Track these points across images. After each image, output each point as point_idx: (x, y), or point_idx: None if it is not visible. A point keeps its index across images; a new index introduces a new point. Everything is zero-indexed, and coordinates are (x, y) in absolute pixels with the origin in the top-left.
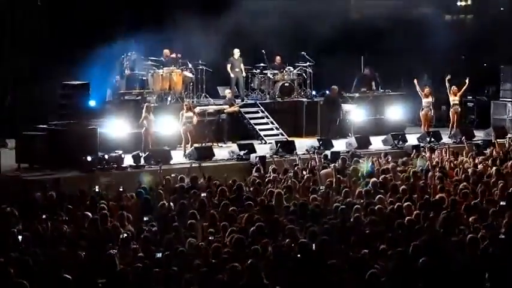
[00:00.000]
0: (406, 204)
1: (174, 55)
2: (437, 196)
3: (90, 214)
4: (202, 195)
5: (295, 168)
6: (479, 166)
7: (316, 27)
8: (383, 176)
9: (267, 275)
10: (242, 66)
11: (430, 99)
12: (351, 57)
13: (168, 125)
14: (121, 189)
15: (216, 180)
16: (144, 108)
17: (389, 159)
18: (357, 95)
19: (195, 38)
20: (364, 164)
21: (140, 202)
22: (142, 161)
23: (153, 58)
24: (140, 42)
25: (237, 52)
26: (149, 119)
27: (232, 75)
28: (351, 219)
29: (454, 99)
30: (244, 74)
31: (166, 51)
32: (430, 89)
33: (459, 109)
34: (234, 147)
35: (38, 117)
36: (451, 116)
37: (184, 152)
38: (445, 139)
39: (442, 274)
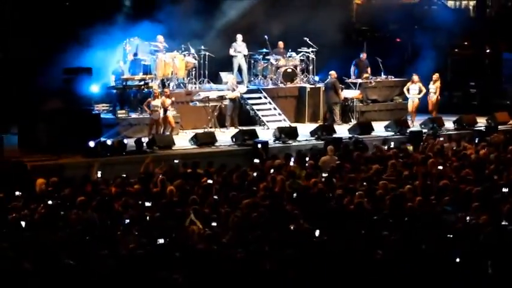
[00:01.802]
0: (408, 190)
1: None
2: (440, 183)
3: (92, 200)
4: (208, 181)
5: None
6: (481, 152)
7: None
8: (385, 162)
9: (269, 261)
10: (245, 51)
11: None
12: (353, 43)
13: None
14: (123, 175)
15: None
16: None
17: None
18: (359, 80)
19: (197, 23)
20: None
21: (142, 188)
22: (144, 146)
23: (154, 43)
24: (142, 27)
25: (240, 37)
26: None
27: (235, 60)
28: (353, 206)
29: (431, 87)
30: (246, 59)
31: (160, 37)
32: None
33: (434, 97)
34: (236, 132)
35: (40, 102)
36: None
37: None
38: (447, 125)
39: (444, 260)
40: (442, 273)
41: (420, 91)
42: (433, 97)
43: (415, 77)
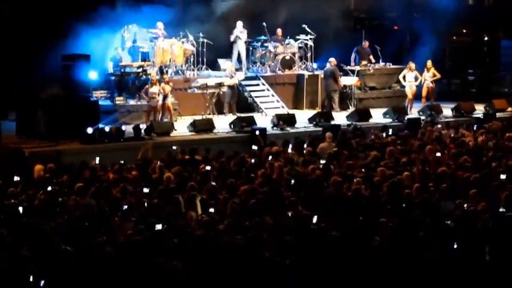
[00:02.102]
0: (406, 177)
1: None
2: (438, 170)
3: (90, 186)
4: (206, 167)
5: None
6: (479, 139)
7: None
8: (383, 149)
9: (267, 248)
10: (245, 38)
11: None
12: (352, 31)
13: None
14: (121, 162)
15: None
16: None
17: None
18: (357, 68)
19: (196, 10)
20: None
21: (140, 174)
22: (142, 133)
23: (153, 30)
24: (141, 14)
25: (240, 24)
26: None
27: (234, 47)
28: (351, 193)
29: (426, 75)
30: (245, 46)
31: (159, 24)
32: (430, 62)
33: (430, 85)
34: (234, 119)
35: (38, 89)
36: (423, 91)
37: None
38: (445, 112)
39: (442, 247)
40: (440, 260)
41: (416, 78)
42: (429, 84)
43: (412, 65)
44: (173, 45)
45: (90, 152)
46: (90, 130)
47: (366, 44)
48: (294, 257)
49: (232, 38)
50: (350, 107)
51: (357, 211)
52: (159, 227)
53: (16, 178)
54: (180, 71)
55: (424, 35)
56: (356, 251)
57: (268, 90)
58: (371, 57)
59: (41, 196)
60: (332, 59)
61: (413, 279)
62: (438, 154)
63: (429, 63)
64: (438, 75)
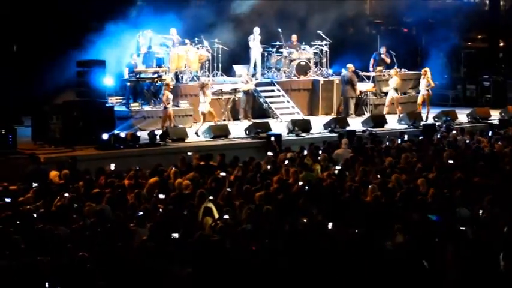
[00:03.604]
0: (421, 183)
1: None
2: (454, 176)
3: (107, 192)
4: (221, 174)
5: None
6: (496, 145)
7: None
8: (399, 154)
9: (283, 254)
10: (259, 44)
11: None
12: (367, 37)
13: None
14: (137, 168)
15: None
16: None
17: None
18: (373, 74)
19: (211, 16)
20: None
21: (156, 180)
22: (158, 139)
23: (168, 36)
24: (156, 19)
25: (257, 30)
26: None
27: (251, 53)
28: (367, 198)
29: (421, 82)
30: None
31: (173, 30)
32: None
33: (425, 92)
34: (249, 125)
35: (53, 95)
36: (418, 99)
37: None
38: (461, 118)
39: (457, 252)
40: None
41: (429, 85)
42: (424, 92)
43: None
44: (188, 51)
45: (105, 158)
46: (105, 136)
47: (384, 50)
48: (309, 263)
49: (251, 44)
50: (365, 112)
51: (372, 217)
52: (175, 235)
53: (33, 184)
54: (195, 77)
55: (439, 40)
56: (369, 257)
57: (283, 96)
58: (388, 61)
59: (57, 202)
60: (350, 65)
61: (427, 284)
62: (453, 160)
63: (424, 70)
64: (432, 84)
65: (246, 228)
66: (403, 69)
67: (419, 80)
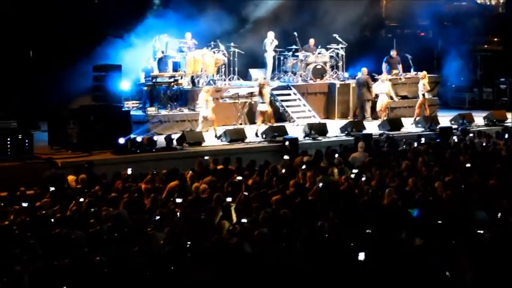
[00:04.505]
0: (438, 186)
1: (193, 41)
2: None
3: (123, 196)
4: (238, 177)
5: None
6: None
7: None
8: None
9: (301, 257)
10: (274, 48)
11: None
12: (383, 40)
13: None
14: (154, 172)
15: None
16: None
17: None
18: (389, 77)
19: (227, 20)
20: None
21: (173, 184)
22: (174, 143)
23: (183, 40)
24: (172, 24)
25: (272, 34)
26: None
27: (268, 57)
28: (384, 201)
29: (419, 86)
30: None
31: (187, 35)
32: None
33: (421, 97)
34: (266, 129)
35: (70, 100)
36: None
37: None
38: (477, 121)
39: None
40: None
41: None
42: (420, 96)
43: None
44: (205, 55)
45: (122, 163)
46: (122, 140)
47: (394, 53)
48: (326, 267)
49: (268, 48)
50: (381, 116)
51: (390, 220)
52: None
53: (50, 189)
54: (211, 81)
55: (455, 43)
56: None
57: (299, 99)
58: (400, 66)
59: (73, 207)
60: (364, 69)
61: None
62: (470, 163)
63: (421, 73)
64: (427, 87)
65: (263, 231)
66: (419, 73)
67: (435, 83)
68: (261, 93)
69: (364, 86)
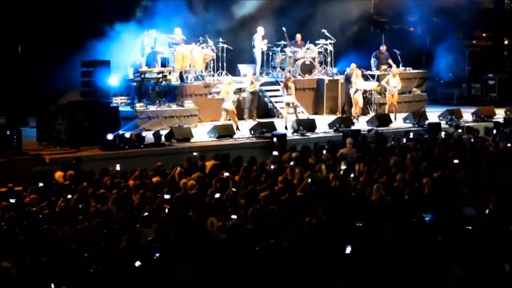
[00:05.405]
0: (426, 182)
1: (182, 36)
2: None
3: (112, 193)
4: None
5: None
6: (501, 145)
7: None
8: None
9: (289, 253)
10: (263, 43)
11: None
12: (372, 36)
13: None
14: (142, 168)
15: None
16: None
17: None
18: (377, 72)
19: (215, 15)
20: None
21: (161, 181)
22: (163, 139)
23: (172, 36)
24: (160, 19)
25: (261, 30)
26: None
27: (257, 52)
28: (372, 197)
29: (392, 82)
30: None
31: (177, 30)
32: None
33: (396, 93)
34: (254, 125)
35: (58, 95)
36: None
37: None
38: (466, 117)
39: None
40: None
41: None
42: (394, 92)
43: (395, 70)
44: (193, 51)
45: (110, 159)
46: (110, 136)
47: (383, 48)
48: (314, 263)
49: (256, 44)
50: (370, 112)
51: (378, 216)
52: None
53: (38, 185)
54: (200, 77)
55: (444, 39)
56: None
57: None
58: (390, 61)
59: (61, 203)
60: (353, 64)
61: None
62: (458, 159)
63: (394, 69)
64: (400, 85)
65: (249, 228)
66: (407, 68)
67: (424, 78)
68: (286, 87)
69: (351, 81)
